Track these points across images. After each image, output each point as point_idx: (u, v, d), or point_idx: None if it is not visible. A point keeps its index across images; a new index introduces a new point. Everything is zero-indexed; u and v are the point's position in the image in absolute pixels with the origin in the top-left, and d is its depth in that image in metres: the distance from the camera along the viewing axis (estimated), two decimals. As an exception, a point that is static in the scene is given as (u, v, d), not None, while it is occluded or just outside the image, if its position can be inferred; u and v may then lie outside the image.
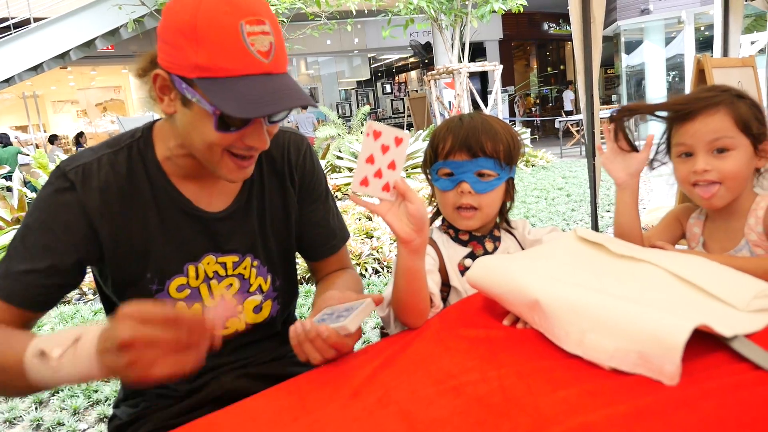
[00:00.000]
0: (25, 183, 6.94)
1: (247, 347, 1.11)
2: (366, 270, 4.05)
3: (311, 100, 0.89)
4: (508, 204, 1.21)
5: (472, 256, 1.15)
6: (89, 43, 11.18)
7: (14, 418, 2.47)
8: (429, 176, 1.18)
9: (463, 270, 1.13)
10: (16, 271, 0.90)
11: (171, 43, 0.84)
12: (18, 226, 4.82)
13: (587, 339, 0.76)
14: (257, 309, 1.09)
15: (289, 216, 1.13)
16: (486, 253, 1.16)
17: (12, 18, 10.79)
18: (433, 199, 1.21)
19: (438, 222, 1.23)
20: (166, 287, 1.00)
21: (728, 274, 0.90)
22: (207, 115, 0.85)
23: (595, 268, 0.95)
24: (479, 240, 1.17)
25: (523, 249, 1.20)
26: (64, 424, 2.38)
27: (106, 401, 2.53)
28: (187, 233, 1.01)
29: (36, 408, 2.55)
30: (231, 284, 1.06)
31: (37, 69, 10.94)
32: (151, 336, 0.67)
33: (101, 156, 0.96)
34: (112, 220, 0.95)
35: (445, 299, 1.13)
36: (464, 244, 1.17)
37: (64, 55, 11.10)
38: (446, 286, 1.14)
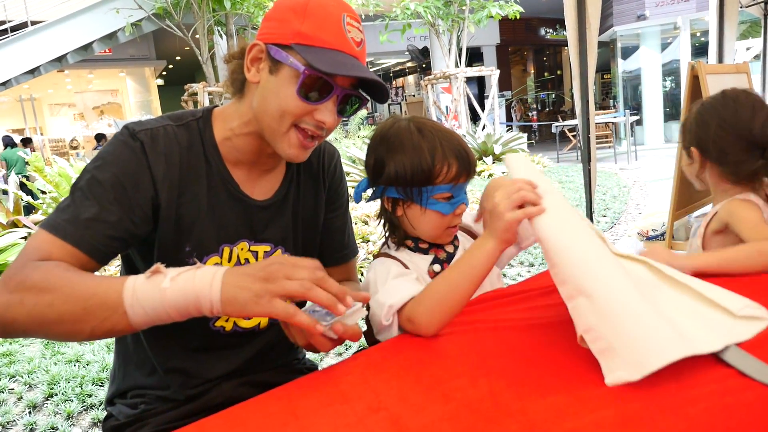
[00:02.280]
0: (22, 186, 6.92)
1: (256, 358, 1.11)
2: (362, 273, 4.06)
3: (388, 93, 1.01)
4: None
5: (437, 261, 1.13)
6: (87, 47, 11.21)
7: (7, 423, 2.46)
8: (409, 198, 1.07)
9: (434, 275, 1.11)
10: (85, 218, 0.89)
11: (278, 19, 0.95)
12: (12, 226, 4.75)
13: (578, 301, 0.77)
14: None
15: (318, 217, 1.18)
16: (447, 254, 1.14)
17: (9, 21, 10.79)
18: (380, 216, 1.15)
19: (380, 241, 1.21)
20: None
21: (713, 287, 0.90)
22: (293, 77, 0.92)
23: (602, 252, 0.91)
24: (438, 245, 1.15)
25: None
26: (57, 429, 2.36)
27: (100, 405, 2.52)
28: (229, 216, 1.04)
29: (30, 412, 2.54)
30: None
31: (34, 72, 10.96)
32: (299, 320, 0.77)
33: (166, 125, 1.00)
34: (171, 187, 0.97)
35: None
36: (425, 252, 1.14)
37: (61, 59, 11.12)
38: None
